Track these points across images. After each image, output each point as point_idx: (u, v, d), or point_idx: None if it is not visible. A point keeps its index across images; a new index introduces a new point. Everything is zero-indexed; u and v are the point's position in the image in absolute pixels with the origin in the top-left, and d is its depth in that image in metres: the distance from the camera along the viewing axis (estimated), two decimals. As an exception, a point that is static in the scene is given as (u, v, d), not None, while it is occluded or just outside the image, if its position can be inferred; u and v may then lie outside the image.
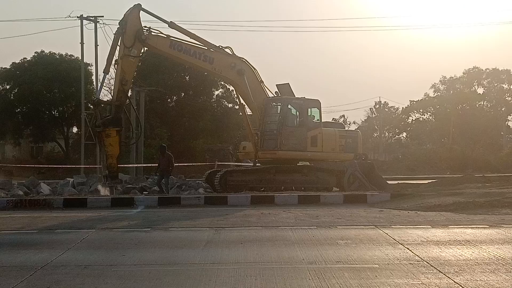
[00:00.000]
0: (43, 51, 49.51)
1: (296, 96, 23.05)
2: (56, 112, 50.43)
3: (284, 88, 23.15)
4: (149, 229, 11.69)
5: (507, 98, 63.23)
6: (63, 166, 38.71)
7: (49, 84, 46.86)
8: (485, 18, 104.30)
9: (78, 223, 12.98)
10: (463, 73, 64.13)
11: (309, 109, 23.02)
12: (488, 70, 63.31)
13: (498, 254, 8.60)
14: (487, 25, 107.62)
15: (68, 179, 24.96)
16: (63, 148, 51.44)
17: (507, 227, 11.31)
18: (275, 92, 23.12)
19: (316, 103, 23.20)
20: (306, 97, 23.10)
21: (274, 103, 22.97)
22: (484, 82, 63.79)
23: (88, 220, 13.40)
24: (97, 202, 16.81)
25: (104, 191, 19.33)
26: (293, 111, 22.86)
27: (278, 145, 21.85)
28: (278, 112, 22.60)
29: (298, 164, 23.04)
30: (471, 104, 61.84)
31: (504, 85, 63.32)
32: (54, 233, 11.40)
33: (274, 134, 22.08)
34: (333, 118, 65.71)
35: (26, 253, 9.19)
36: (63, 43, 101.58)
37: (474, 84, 63.83)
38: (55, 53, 49.49)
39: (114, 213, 14.94)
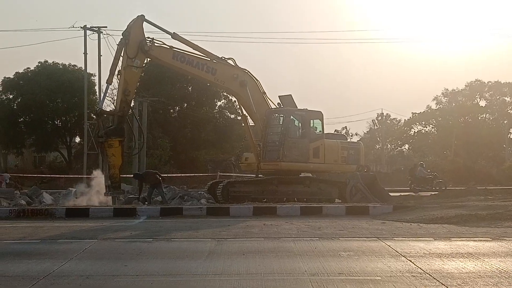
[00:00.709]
0: (47, 61, 49.66)
1: (298, 108, 23.09)
2: (59, 122, 50.49)
3: (287, 100, 23.19)
4: (151, 239, 11.68)
5: (509, 111, 63.23)
6: (65, 176, 38.72)
7: (52, 94, 46.96)
8: (487, 31, 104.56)
9: (80, 233, 12.98)
10: (465, 85, 64.22)
11: (311, 121, 23.04)
12: (490, 83, 63.37)
13: (500, 267, 8.58)
14: (489, 38, 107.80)
15: (70, 189, 24.97)
16: (66, 158, 51.47)
17: (510, 240, 11.28)
18: (278, 103, 23.16)
19: (319, 115, 23.23)
20: (308, 109, 23.14)
21: (276, 114, 23.01)
22: (486, 95, 63.83)
23: (90, 230, 13.39)
24: (99, 212, 16.82)
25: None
26: (296, 122, 22.90)
27: (280, 156, 21.86)
28: (281, 123, 22.64)
29: (300, 176, 23.03)
30: (474, 117, 61.86)
31: (506, 98, 63.34)
32: (56, 243, 11.40)
33: (277, 145, 22.10)
34: (335, 130, 65.66)
35: (29, 263, 9.18)
36: (67, 53, 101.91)
37: (476, 96, 63.86)
38: (58, 63, 49.63)
39: (116, 223, 14.94)
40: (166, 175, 29.54)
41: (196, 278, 8.07)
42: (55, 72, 48.04)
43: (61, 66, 49.48)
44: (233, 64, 22.19)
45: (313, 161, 22.51)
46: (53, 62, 49.73)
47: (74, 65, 49.75)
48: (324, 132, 23.39)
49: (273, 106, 23.02)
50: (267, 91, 23.03)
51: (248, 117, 23.05)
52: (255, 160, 22.70)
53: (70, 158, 50.58)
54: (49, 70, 48.29)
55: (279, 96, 23.44)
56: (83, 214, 16.70)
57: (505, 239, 11.34)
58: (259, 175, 22.99)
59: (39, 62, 49.41)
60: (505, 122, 62.69)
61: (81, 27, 39.20)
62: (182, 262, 9.25)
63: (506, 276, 7.99)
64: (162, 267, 8.81)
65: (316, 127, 23.28)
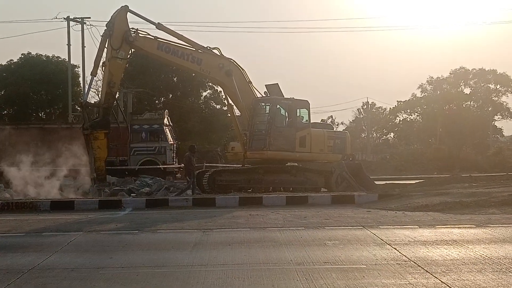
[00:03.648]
0: (30, 52, 49.22)
1: (285, 97, 23.09)
2: (43, 114, 50.13)
3: (273, 89, 23.18)
4: (137, 231, 11.66)
5: (493, 98, 63.59)
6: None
7: (35, 86, 46.59)
8: (471, 18, 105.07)
9: (65, 225, 12.93)
10: (449, 73, 64.42)
11: (298, 110, 23.05)
12: (474, 70, 63.63)
13: (484, 254, 8.66)
14: (473, 25, 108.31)
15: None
16: (50, 150, 51.13)
17: (493, 226, 11.39)
18: (264, 92, 23.14)
19: (305, 104, 23.23)
20: (295, 98, 23.14)
21: (263, 104, 23.00)
22: (471, 82, 64.10)
23: (75, 223, 13.33)
24: (84, 205, 16.74)
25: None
26: (282, 111, 22.90)
27: (266, 145, 21.87)
28: (267, 112, 22.64)
29: (286, 165, 23.06)
30: (458, 104, 62.13)
31: (490, 85, 63.66)
32: (41, 236, 11.34)
33: (263, 134, 22.10)
34: (321, 119, 65.77)
35: (13, 256, 9.14)
36: (50, 44, 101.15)
37: (461, 84, 64.12)
38: (41, 55, 49.20)
39: (102, 215, 14.89)
40: (151, 166, 29.52)
41: (182, 269, 8.07)
42: (39, 64, 47.64)
43: (44, 58, 49.07)
44: (219, 54, 22.14)
45: (299, 150, 22.54)
46: (36, 54, 49.31)
47: (58, 57, 49.39)
48: (311, 122, 23.41)
49: (259, 95, 23.00)
50: (253, 81, 23.02)
51: (234, 106, 23.02)
52: (241, 150, 22.70)
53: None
54: (32, 62, 47.87)
55: (265, 85, 23.44)
56: (68, 206, 16.61)
57: (489, 226, 11.44)
58: (246, 165, 22.99)
59: (22, 54, 49.00)
60: (490, 109, 63.05)
61: (64, 18, 39.00)
62: (168, 254, 9.25)
63: (490, 263, 8.07)
64: (147, 259, 8.80)
65: (303, 116, 23.30)
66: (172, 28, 21.78)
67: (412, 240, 9.93)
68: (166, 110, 32.28)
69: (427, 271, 7.62)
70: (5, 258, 8.99)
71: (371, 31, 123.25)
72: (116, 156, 27.04)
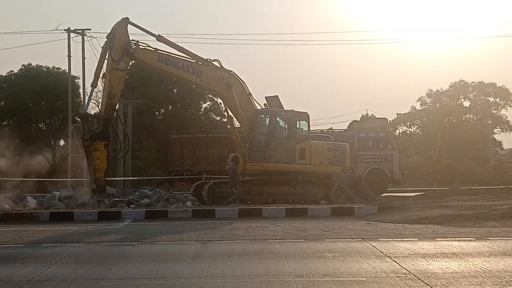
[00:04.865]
0: (30, 64, 49.23)
1: (285, 109, 23.12)
2: (43, 125, 50.09)
3: (273, 101, 23.22)
4: (136, 242, 11.64)
5: (493, 111, 63.69)
6: (50, 179, 38.44)
7: (36, 97, 46.56)
8: (471, 32, 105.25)
9: (64, 237, 12.90)
10: (449, 86, 64.56)
11: (297, 122, 23.07)
12: (474, 84, 63.80)
13: (484, 267, 8.64)
14: (473, 39, 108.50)
15: (55, 192, 24.79)
16: (50, 161, 51.10)
17: (493, 239, 11.37)
18: (264, 104, 23.18)
19: (305, 116, 23.26)
20: (295, 110, 23.17)
21: (262, 116, 23.03)
22: (470, 95, 64.24)
23: (75, 234, 13.31)
24: (83, 216, 16.71)
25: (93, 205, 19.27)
26: (282, 123, 22.92)
27: (266, 157, 21.87)
28: (267, 124, 22.66)
29: (286, 177, 23.04)
30: (458, 117, 62.24)
31: (490, 98, 63.78)
32: (40, 247, 11.32)
33: (263, 146, 22.11)
34: (321, 130, 65.66)
35: (12, 268, 9.11)
36: (50, 56, 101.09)
37: (460, 97, 64.25)
38: (42, 66, 49.20)
39: (101, 226, 14.86)
40: (151, 177, 29.49)
41: (181, 281, 8.05)
42: (39, 75, 47.63)
43: (45, 69, 49.08)
44: (219, 66, 22.19)
45: (299, 162, 22.54)
46: (36, 65, 49.32)
47: (58, 68, 49.37)
48: (310, 133, 23.43)
49: (259, 107, 23.04)
50: (253, 93, 23.06)
51: (234, 118, 23.05)
52: (241, 161, 22.69)
53: (55, 162, 50.24)
54: (32, 73, 47.88)
55: (265, 97, 23.47)
56: (68, 218, 16.59)
57: (489, 239, 11.42)
58: (245, 176, 22.97)
59: (22, 65, 48.99)
60: (489, 122, 63.12)
61: (64, 30, 38.95)
62: (167, 265, 9.22)
63: (490, 276, 8.05)
64: (146, 271, 8.77)
65: (302, 128, 23.33)
66: (172, 40, 21.85)
67: (412, 253, 9.91)
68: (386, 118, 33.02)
69: (427, 284, 7.60)
70: (4, 269, 8.96)
71: (370, 44, 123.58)
72: None
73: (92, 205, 19.68)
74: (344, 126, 44.27)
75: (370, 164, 30.13)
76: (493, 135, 64.14)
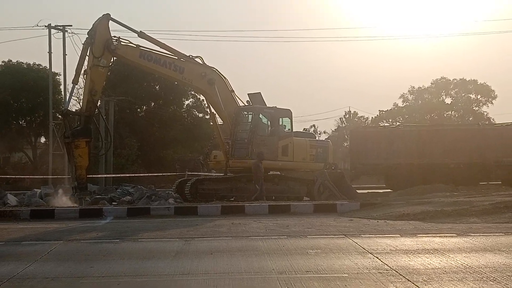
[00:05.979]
0: (10, 60, 48.82)
1: (267, 106, 23.14)
2: (24, 122, 49.68)
3: (256, 97, 23.24)
4: (118, 240, 11.56)
5: (474, 108, 64.27)
6: (30, 176, 38.13)
7: (16, 93, 46.15)
8: (453, 29, 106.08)
9: (45, 234, 12.79)
10: (431, 83, 65.10)
11: (280, 119, 23.12)
12: (455, 80, 64.35)
13: (465, 263, 8.69)
14: (455, 36, 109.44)
15: (35, 190, 24.59)
16: (31, 158, 50.69)
17: (474, 235, 11.45)
18: (247, 101, 23.20)
19: (288, 113, 23.31)
20: (277, 107, 23.20)
21: (245, 112, 23.04)
22: (452, 92, 64.79)
23: (56, 232, 13.19)
24: (64, 213, 16.56)
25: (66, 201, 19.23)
26: (264, 120, 22.95)
27: (249, 153, 21.87)
28: (249, 121, 22.66)
29: (268, 173, 23.07)
30: (439, 114, 62.74)
31: (471, 95, 64.37)
32: (21, 245, 11.20)
33: (245, 143, 22.12)
34: (304, 128, 65.94)
35: (-9, 266, 9.00)
36: (31, 52, 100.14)
37: (442, 94, 64.78)
38: (22, 63, 48.79)
39: (82, 224, 14.75)
40: (133, 174, 29.36)
41: (163, 278, 8.01)
42: (19, 72, 47.22)
43: (25, 66, 48.67)
44: (201, 63, 22.15)
45: (281, 159, 22.58)
46: (17, 61, 48.91)
47: (39, 64, 49.00)
48: (293, 130, 23.47)
49: (241, 104, 23.03)
50: (236, 89, 23.06)
51: (217, 115, 23.02)
52: (223, 158, 22.68)
53: (35, 159, 49.84)
54: (13, 70, 47.46)
55: (248, 94, 23.53)
56: (49, 215, 16.43)
57: (470, 235, 11.50)
58: (228, 173, 22.96)
59: (2, 62, 48.61)
60: (471, 119, 63.69)
61: (45, 26, 38.70)
62: (149, 263, 9.17)
63: (471, 272, 8.10)
64: (128, 268, 8.72)
65: (285, 125, 23.37)
66: (154, 36, 21.76)
67: (394, 249, 9.95)
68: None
69: (408, 280, 7.63)
70: (-16, 268, 8.85)
71: (353, 41, 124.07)
72: None
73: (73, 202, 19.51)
74: (328, 122, 44.35)
75: None
76: (474, 132, 64.66)
